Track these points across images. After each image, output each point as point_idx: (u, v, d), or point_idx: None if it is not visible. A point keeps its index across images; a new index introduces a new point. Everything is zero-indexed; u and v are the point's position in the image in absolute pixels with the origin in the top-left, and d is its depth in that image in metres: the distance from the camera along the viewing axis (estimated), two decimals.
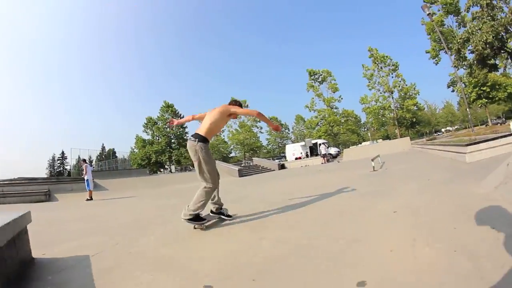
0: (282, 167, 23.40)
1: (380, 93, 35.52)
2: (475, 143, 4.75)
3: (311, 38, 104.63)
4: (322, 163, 19.70)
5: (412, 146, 17.15)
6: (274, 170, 22.74)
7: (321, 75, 39.36)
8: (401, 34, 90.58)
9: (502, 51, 17.05)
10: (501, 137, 4.78)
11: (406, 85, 35.99)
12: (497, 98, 29.72)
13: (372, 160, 6.92)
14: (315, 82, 39.37)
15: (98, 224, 4.01)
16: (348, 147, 27.64)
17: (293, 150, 30.65)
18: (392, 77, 35.92)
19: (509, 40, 16.02)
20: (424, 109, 41.13)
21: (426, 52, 32.67)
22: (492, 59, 18.38)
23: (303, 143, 30.15)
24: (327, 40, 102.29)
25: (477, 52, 16.73)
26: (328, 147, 28.62)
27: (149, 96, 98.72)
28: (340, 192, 3.92)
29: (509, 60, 18.35)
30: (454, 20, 31.02)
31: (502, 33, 15.86)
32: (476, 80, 27.25)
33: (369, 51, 36.75)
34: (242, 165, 29.10)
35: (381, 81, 35.56)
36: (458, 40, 18.55)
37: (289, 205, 3.40)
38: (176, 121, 3.54)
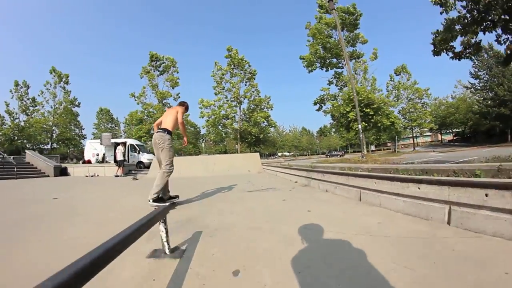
0: (62, 172, 14.81)
1: (227, 99, 31.80)
2: None
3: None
4: (116, 176, 12.30)
5: (264, 168, 11.61)
6: (48, 175, 14.03)
7: (164, 62, 31.68)
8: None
9: None
10: None
11: (260, 96, 33.65)
12: (379, 124, 24.50)
13: None
14: (154, 70, 31.39)
15: None
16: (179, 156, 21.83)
17: (93, 150, 21.74)
18: (246, 85, 33.15)
19: None
20: (274, 126, 37.49)
21: (300, 58, 28.42)
22: None
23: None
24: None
25: None
26: (139, 152, 21.36)
27: None
28: None
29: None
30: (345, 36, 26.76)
31: None
32: (361, 98, 22.69)
33: (228, 51, 32.78)
34: None
35: (231, 86, 32.01)
36: None
37: None
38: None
